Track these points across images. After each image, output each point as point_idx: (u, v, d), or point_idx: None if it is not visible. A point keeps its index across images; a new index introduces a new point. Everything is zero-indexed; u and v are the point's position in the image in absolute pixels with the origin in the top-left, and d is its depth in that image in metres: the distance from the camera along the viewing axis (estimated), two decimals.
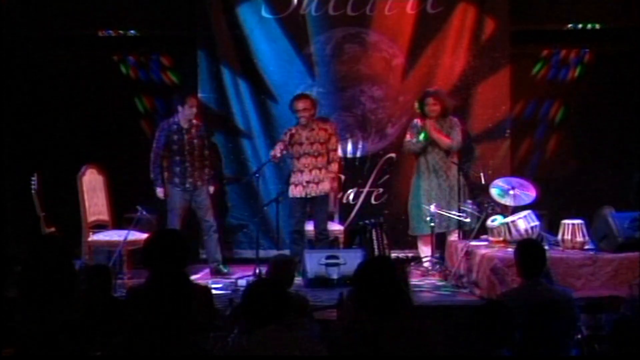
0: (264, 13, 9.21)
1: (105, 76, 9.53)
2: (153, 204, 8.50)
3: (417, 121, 8.65)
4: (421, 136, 8.54)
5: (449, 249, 8.33)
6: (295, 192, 8.46)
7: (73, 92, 9.48)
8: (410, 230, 8.76)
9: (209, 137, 8.79)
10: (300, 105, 8.37)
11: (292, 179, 8.52)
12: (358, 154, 9.34)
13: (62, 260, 4.27)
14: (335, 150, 8.50)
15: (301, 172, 8.43)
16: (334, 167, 8.49)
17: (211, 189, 8.66)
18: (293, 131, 8.43)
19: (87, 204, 8.38)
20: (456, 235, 8.50)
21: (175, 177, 8.46)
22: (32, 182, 8.06)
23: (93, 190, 8.52)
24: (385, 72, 9.27)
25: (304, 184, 8.41)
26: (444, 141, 8.52)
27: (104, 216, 8.61)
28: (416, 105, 8.68)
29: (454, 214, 8.39)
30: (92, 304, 4.50)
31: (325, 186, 8.42)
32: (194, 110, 8.46)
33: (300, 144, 8.42)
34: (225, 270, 8.47)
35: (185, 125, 8.45)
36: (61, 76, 9.47)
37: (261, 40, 9.22)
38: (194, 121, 8.53)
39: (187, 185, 8.44)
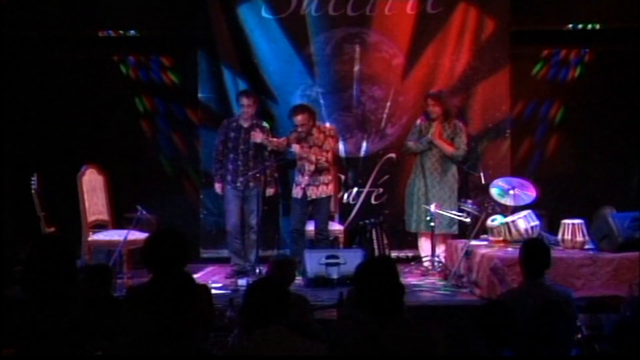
0: (264, 13, 9.21)
1: (105, 76, 9.54)
2: (153, 204, 8.50)
3: (420, 121, 8.65)
4: (430, 131, 8.49)
5: (449, 249, 8.33)
6: (295, 192, 8.48)
7: (73, 92, 9.48)
8: (406, 227, 8.77)
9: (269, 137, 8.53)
10: (299, 119, 8.33)
11: (295, 179, 8.54)
12: (358, 154, 9.34)
13: (63, 259, 4.26)
14: (329, 151, 8.46)
15: (302, 174, 8.45)
16: (320, 155, 8.40)
17: (270, 191, 8.53)
18: (295, 135, 8.43)
19: (87, 204, 8.38)
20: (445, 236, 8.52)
21: (228, 175, 8.45)
22: (32, 182, 8.05)
23: (93, 190, 8.52)
24: (385, 72, 9.27)
25: (303, 186, 8.42)
26: (448, 149, 8.50)
27: (104, 216, 8.61)
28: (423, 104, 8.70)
29: (454, 214, 8.39)
30: (93, 303, 4.49)
31: (324, 189, 8.43)
32: (247, 109, 8.36)
33: (301, 147, 8.43)
34: (252, 272, 8.27)
35: (245, 125, 8.41)
36: (61, 76, 9.47)
37: (261, 40, 9.21)
38: (256, 121, 8.48)
39: (238, 184, 8.41)
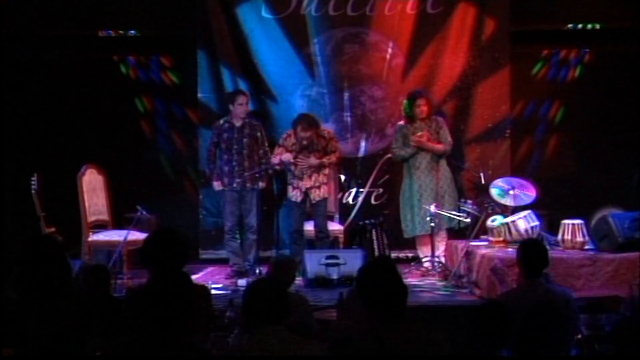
0: (264, 13, 9.21)
1: (105, 76, 9.55)
2: (153, 204, 8.50)
3: (402, 123, 8.64)
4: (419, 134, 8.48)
5: (449, 249, 8.33)
6: (294, 195, 8.46)
7: (73, 92, 9.48)
8: (404, 234, 8.73)
9: (262, 135, 8.53)
10: (306, 136, 8.30)
11: (291, 181, 8.51)
12: (358, 154, 9.34)
13: (56, 259, 4.25)
14: (334, 151, 8.50)
15: (300, 178, 8.43)
16: (332, 158, 8.49)
17: (260, 184, 8.48)
18: (294, 140, 8.42)
19: (87, 204, 8.38)
20: (444, 235, 8.50)
21: (224, 176, 8.43)
22: (32, 182, 8.05)
23: (93, 190, 8.52)
24: (385, 72, 9.27)
25: (304, 189, 8.41)
26: (438, 149, 8.48)
27: (104, 216, 8.61)
28: (404, 105, 8.64)
29: (454, 214, 8.39)
30: (92, 304, 4.49)
31: (325, 190, 8.46)
32: (244, 107, 8.35)
33: (299, 151, 8.42)
34: (252, 272, 8.32)
35: (237, 124, 8.38)
36: (61, 76, 9.47)
37: (261, 40, 9.22)
38: (247, 120, 8.44)
39: (235, 185, 8.40)
